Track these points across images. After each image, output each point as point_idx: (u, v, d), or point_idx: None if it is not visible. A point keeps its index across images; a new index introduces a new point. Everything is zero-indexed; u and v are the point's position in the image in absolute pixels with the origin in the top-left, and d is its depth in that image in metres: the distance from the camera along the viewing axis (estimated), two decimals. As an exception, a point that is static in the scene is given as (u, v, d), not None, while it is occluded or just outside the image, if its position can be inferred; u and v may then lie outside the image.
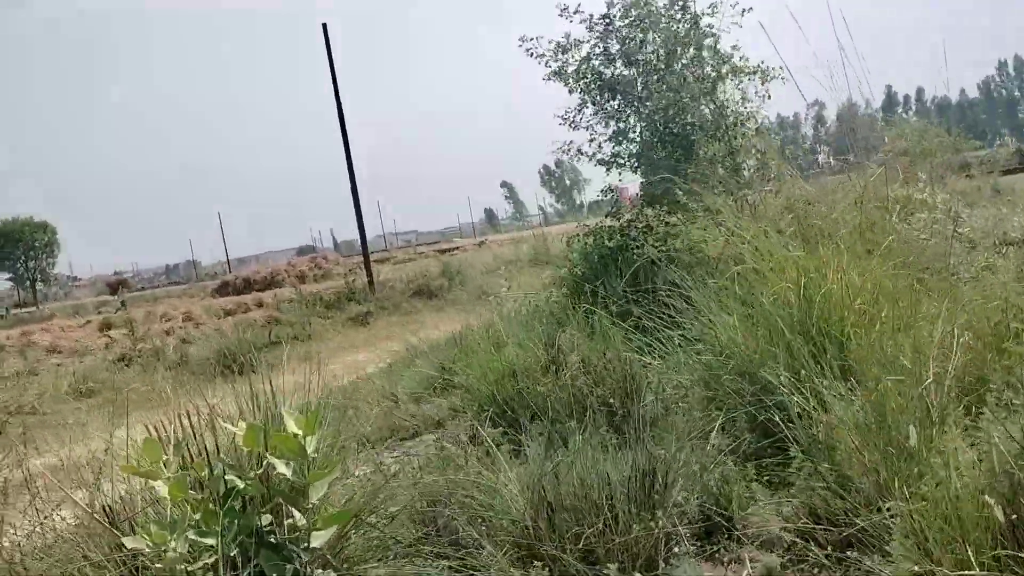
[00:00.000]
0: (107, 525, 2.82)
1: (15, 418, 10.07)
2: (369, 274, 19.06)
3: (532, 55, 7.23)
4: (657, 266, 6.73)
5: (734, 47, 6.56)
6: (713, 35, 6.58)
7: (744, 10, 6.43)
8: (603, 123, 7.07)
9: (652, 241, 6.90)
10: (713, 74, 6.63)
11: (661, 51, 6.69)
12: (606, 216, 7.14)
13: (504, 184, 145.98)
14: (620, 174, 7.15)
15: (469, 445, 4.39)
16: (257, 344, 12.78)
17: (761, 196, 6.55)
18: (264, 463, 2.81)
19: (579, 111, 7.17)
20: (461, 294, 18.23)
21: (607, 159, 7.14)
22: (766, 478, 3.58)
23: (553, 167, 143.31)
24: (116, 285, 44.98)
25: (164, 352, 13.12)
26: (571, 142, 7.25)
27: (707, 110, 6.65)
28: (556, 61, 7.07)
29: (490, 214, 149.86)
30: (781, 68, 6.40)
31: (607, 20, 6.88)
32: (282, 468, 2.74)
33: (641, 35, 6.75)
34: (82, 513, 3.06)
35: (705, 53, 6.61)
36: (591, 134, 7.19)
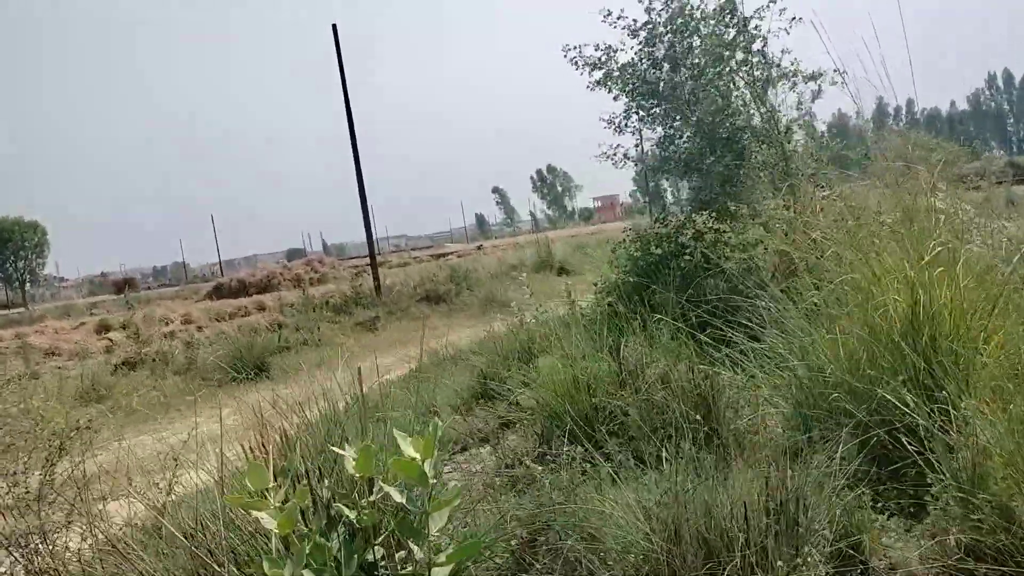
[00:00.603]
0: (216, 566, 2.51)
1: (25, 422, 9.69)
2: (376, 278, 18.72)
3: (576, 65, 6.99)
4: (709, 273, 6.48)
5: (784, 51, 6.35)
6: (763, 38, 6.35)
7: (793, 18, 6.21)
8: (650, 128, 6.85)
9: (703, 247, 6.65)
10: (763, 78, 6.40)
11: (708, 56, 6.45)
12: (655, 221, 6.87)
13: (496, 190, 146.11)
14: (668, 179, 6.90)
15: (548, 462, 4.10)
16: (267, 349, 12.45)
17: (816, 203, 6.31)
18: (376, 490, 2.51)
19: (626, 116, 6.92)
20: (471, 299, 17.94)
21: (655, 164, 6.89)
22: (892, 506, 3.31)
23: (546, 173, 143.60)
24: (123, 284, 44.22)
25: (171, 356, 12.73)
26: (618, 146, 7.01)
27: (757, 115, 6.41)
28: (601, 68, 6.83)
29: (481, 220, 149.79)
30: (839, 72, 6.17)
31: (650, 25, 6.64)
32: (398, 497, 2.45)
33: (686, 40, 6.51)
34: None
35: (754, 58, 6.38)
36: (636, 139, 6.96)
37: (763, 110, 6.35)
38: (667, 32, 6.53)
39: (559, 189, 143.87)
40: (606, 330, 5.68)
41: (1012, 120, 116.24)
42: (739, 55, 6.37)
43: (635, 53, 6.67)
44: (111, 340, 17.55)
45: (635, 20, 6.64)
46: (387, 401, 7.33)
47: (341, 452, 2.62)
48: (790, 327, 4.49)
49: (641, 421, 4.28)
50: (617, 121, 6.97)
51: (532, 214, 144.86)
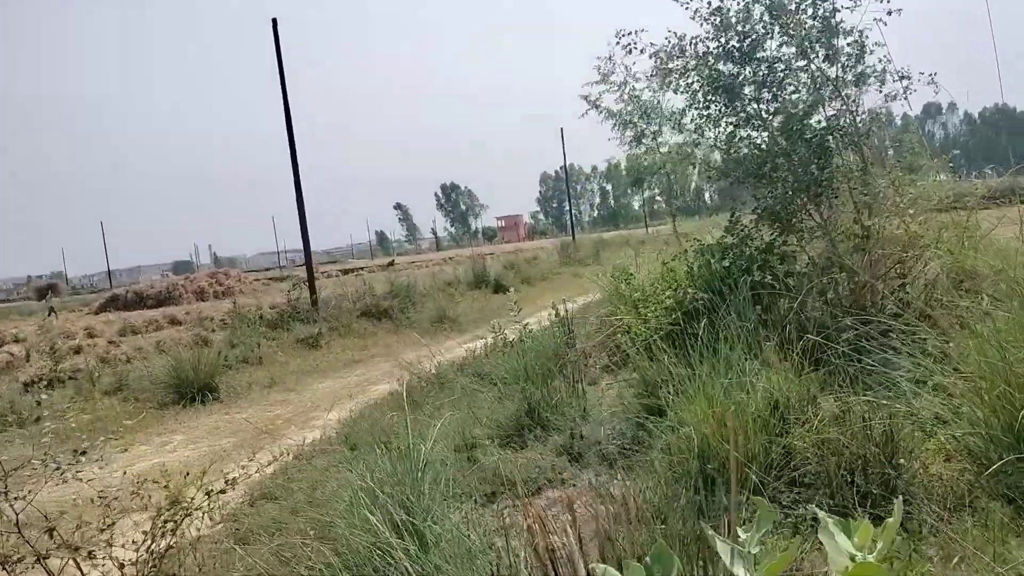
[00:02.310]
0: None
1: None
2: (313, 291, 17.39)
3: (631, 51, 6.30)
4: (779, 292, 5.85)
5: (877, 43, 5.79)
6: (854, 32, 5.78)
7: (891, 11, 5.67)
8: (711, 128, 6.19)
9: (774, 261, 6.02)
10: (849, 76, 5.86)
11: (791, 48, 5.86)
12: (725, 231, 6.19)
13: (398, 206, 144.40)
14: (731, 183, 6.24)
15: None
16: (215, 368, 11.12)
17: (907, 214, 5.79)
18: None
19: (684, 113, 6.26)
20: (417, 316, 16.92)
21: (717, 168, 6.23)
22: None
23: (449, 189, 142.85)
24: (45, 290, 40.14)
25: (96, 374, 11.20)
26: (683, 144, 6.32)
27: (841, 116, 5.86)
28: (671, 58, 6.15)
29: (382, 236, 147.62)
30: (929, 75, 5.71)
31: (721, 12, 6.00)
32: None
33: (763, 30, 5.90)
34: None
35: (845, 51, 5.81)
36: (695, 139, 6.29)
37: (847, 111, 5.80)
38: (740, 20, 5.89)
39: (463, 207, 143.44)
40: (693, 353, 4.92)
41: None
42: (821, 51, 5.79)
43: (703, 43, 6.00)
44: (11, 354, 15.55)
45: (708, 2, 5.96)
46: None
47: None
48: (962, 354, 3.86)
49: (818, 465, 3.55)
50: (676, 119, 6.30)
51: (434, 231, 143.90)
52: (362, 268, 48.59)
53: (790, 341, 4.90)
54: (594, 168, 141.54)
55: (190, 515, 3.77)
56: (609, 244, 39.47)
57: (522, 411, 5.91)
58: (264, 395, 10.90)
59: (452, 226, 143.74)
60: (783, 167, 5.94)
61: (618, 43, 6.30)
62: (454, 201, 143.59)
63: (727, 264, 5.92)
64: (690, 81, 6.10)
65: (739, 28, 5.88)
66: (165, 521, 3.75)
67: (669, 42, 6.11)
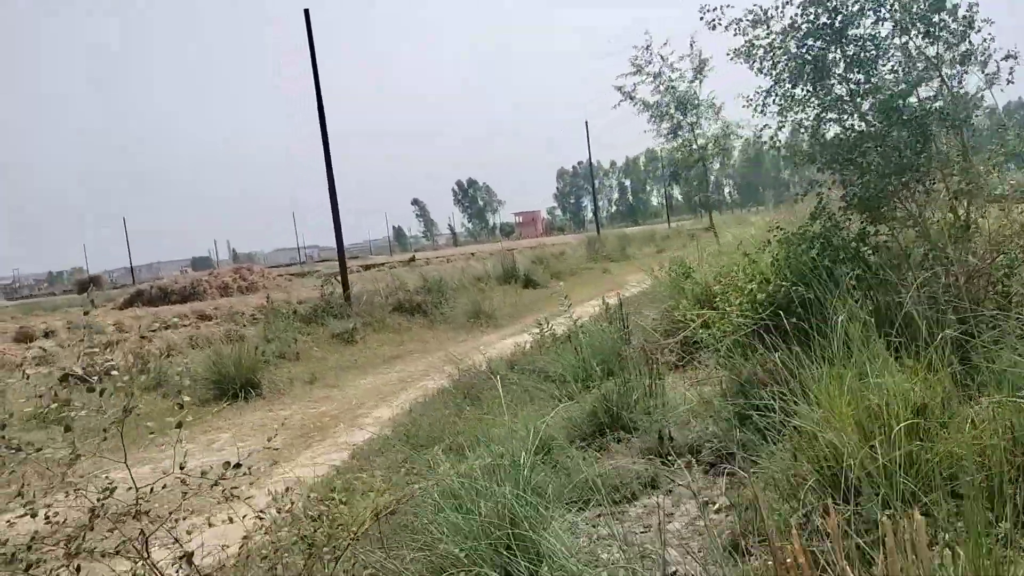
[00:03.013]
0: None
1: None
2: (346, 286, 17.13)
3: (714, 27, 5.96)
4: (879, 283, 5.49)
5: (986, 20, 5.41)
6: (961, 5, 5.40)
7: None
8: (799, 109, 5.83)
9: (866, 251, 5.67)
10: (952, 55, 5.49)
11: (886, 24, 5.50)
12: (811, 217, 5.82)
13: (415, 202, 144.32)
14: (820, 170, 5.88)
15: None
16: (247, 363, 10.86)
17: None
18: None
19: (767, 94, 5.90)
20: (451, 311, 16.62)
21: (802, 152, 5.86)
22: None
23: (466, 185, 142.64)
24: (86, 283, 39.69)
25: (134, 370, 10.96)
26: (766, 126, 5.96)
27: (941, 98, 5.49)
28: (745, 35, 5.80)
29: (399, 232, 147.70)
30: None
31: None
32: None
33: (856, 6, 5.54)
34: None
35: (945, 29, 5.43)
36: (780, 121, 5.93)
37: (946, 93, 5.44)
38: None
39: (480, 203, 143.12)
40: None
41: None
42: (921, 26, 5.42)
43: (792, 19, 5.63)
44: (43, 349, 15.41)
45: None
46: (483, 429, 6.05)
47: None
48: None
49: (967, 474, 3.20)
50: (756, 101, 5.93)
51: (451, 227, 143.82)
52: (383, 263, 48.36)
53: (904, 336, 4.53)
54: (613, 163, 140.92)
55: (357, 540, 3.45)
56: (633, 239, 39.10)
57: (599, 410, 5.58)
58: (307, 391, 10.65)
59: (470, 222, 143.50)
60: (873, 151, 5.58)
61: (701, 18, 5.97)
62: (472, 197, 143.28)
63: (814, 254, 5.57)
64: (776, 60, 5.74)
65: (830, 3, 5.51)
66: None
67: (755, 17, 5.75)
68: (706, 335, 6.13)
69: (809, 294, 5.29)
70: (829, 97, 5.77)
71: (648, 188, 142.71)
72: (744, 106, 6.01)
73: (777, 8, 5.69)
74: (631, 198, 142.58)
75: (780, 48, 5.75)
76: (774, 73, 5.86)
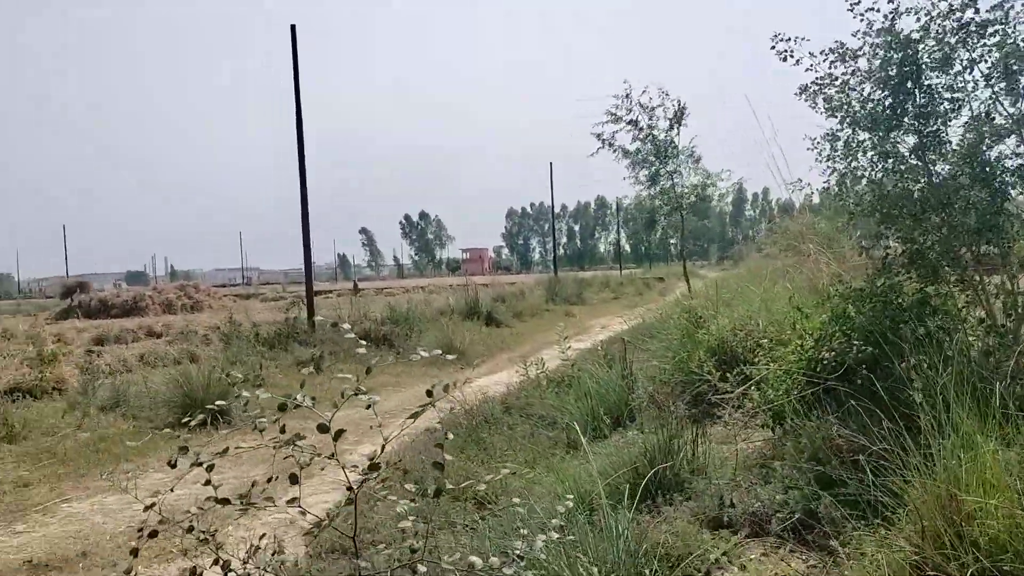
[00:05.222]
0: None
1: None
2: (311, 311, 16.42)
3: (785, 59, 5.68)
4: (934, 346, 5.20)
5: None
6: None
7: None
8: (861, 155, 5.56)
9: (929, 314, 5.39)
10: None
11: (969, 75, 5.27)
12: (880, 275, 5.49)
13: (363, 231, 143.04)
14: (879, 223, 5.60)
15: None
16: (216, 387, 10.14)
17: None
18: None
19: (833, 137, 5.62)
20: (419, 343, 16.02)
21: (864, 202, 5.57)
22: None
23: (417, 219, 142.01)
24: (74, 287, 36.90)
25: (93, 386, 10.12)
26: (832, 170, 5.65)
27: (1020, 157, 5.27)
28: (825, 68, 5.53)
29: (344, 260, 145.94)
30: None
31: (892, 32, 5.37)
32: None
33: (948, 50, 5.29)
34: None
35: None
36: (843, 167, 5.65)
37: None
38: (917, 40, 5.28)
39: (429, 236, 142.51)
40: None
41: None
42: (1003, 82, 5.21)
43: (876, 58, 5.37)
44: (-20, 358, 14.26)
45: (886, 15, 5.30)
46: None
47: None
48: None
49: None
50: (822, 147, 5.64)
51: (396, 259, 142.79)
52: (330, 291, 47.17)
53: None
54: (564, 207, 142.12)
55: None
56: (589, 284, 39.03)
57: (641, 464, 5.11)
58: (277, 417, 9.94)
59: (416, 255, 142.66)
60: (943, 208, 5.32)
61: (772, 47, 5.67)
62: (420, 230, 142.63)
63: (872, 314, 5.27)
64: (846, 101, 5.48)
65: (909, 51, 5.28)
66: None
67: (831, 54, 5.49)
68: (758, 394, 5.72)
69: (877, 353, 4.98)
70: (897, 146, 5.53)
71: (596, 235, 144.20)
72: (809, 149, 5.72)
73: (869, 47, 5.43)
74: (579, 243, 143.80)
75: (855, 90, 5.51)
76: (840, 115, 5.59)
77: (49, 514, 6.21)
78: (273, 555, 3.13)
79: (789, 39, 5.69)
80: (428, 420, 8.83)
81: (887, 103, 5.42)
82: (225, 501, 2.82)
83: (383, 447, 2.91)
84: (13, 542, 5.57)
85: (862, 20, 5.44)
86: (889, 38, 5.32)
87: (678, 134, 18.05)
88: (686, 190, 18.57)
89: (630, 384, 8.06)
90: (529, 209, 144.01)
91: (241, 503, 2.81)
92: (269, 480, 4.25)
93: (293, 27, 16.17)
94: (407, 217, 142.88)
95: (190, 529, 2.93)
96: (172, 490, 2.82)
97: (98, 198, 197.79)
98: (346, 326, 3.55)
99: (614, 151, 18.24)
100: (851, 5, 5.39)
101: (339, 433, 2.79)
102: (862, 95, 5.47)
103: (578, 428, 6.22)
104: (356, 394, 2.83)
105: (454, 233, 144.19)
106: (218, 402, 9.52)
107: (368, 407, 2.86)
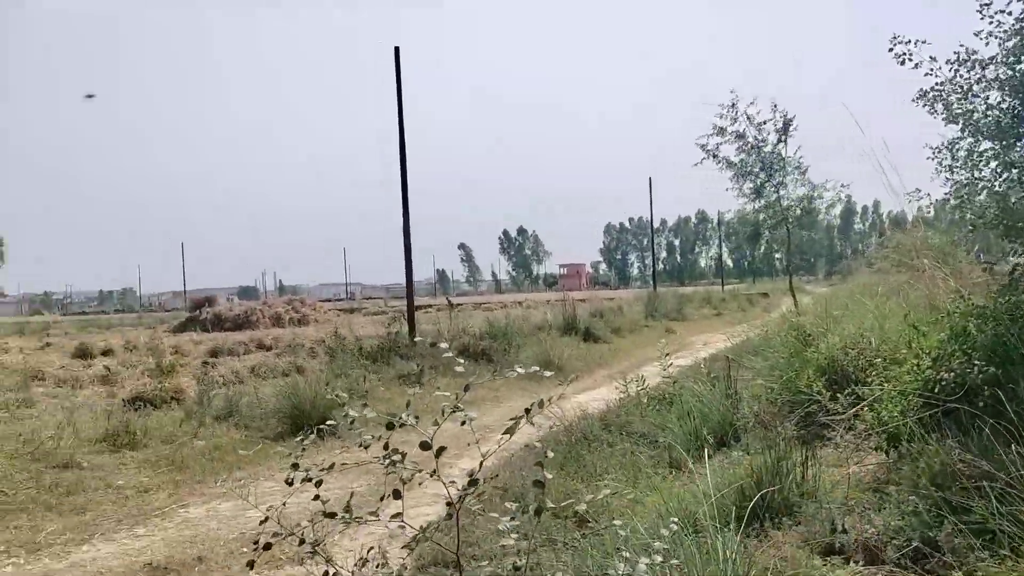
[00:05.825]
0: None
1: (49, 470, 7.51)
2: (411, 327, 16.77)
3: (904, 62, 5.45)
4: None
5: None
6: None
7: None
8: (983, 165, 5.26)
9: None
10: None
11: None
12: (1005, 292, 5.16)
13: (462, 246, 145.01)
14: (1006, 240, 5.28)
15: None
16: (324, 400, 10.41)
17: None
18: None
19: (954, 147, 5.34)
20: (520, 359, 16.10)
21: (990, 214, 5.26)
22: None
23: (515, 235, 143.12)
24: (203, 301, 39.36)
25: (208, 397, 10.60)
26: (952, 181, 5.38)
27: None
28: (942, 75, 5.27)
29: (443, 275, 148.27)
30: None
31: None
32: None
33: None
34: None
35: None
36: (968, 178, 5.36)
37: None
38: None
39: (527, 252, 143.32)
40: None
41: None
42: None
43: (998, 65, 5.09)
44: (107, 368, 15.19)
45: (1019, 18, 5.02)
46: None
47: None
48: None
49: None
50: (944, 157, 5.37)
51: (495, 274, 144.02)
52: (429, 305, 47.97)
53: None
54: (663, 221, 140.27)
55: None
56: (690, 300, 38.31)
57: (748, 485, 4.95)
58: (382, 434, 10.15)
59: (514, 270, 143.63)
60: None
61: (890, 50, 5.46)
62: (518, 245, 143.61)
63: (996, 332, 4.94)
64: (968, 108, 5.21)
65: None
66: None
67: (962, 57, 5.23)
68: (871, 416, 5.46)
69: (1001, 373, 4.67)
70: (1020, 156, 5.20)
71: (696, 249, 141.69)
72: (929, 158, 5.46)
73: (1001, 51, 5.15)
74: (679, 258, 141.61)
75: (979, 96, 5.22)
76: (961, 122, 5.31)
77: (167, 519, 6.51)
78: (378, 567, 3.16)
79: (908, 41, 5.44)
80: (527, 436, 8.90)
81: (1015, 111, 5.11)
82: (333, 515, 2.87)
83: (481, 463, 2.90)
84: (135, 545, 5.86)
85: (991, 22, 5.15)
86: (1020, 39, 5.02)
87: (785, 144, 17.62)
88: (792, 203, 18.07)
89: (734, 403, 7.86)
90: (628, 224, 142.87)
91: (348, 517, 2.85)
92: (382, 498, 4.33)
93: (397, 49, 16.62)
94: (505, 232, 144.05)
95: (302, 541, 3.01)
96: (284, 504, 2.90)
97: (213, 218, 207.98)
98: (444, 345, 3.56)
99: (718, 162, 17.93)
100: (981, 7, 5.12)
101: (440, 450, 2.80)
102: (986, 102, 5.17)
103: (680, 448, 6.09)
104: (455, 410, 2.83)
105: (551, 248, 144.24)
106: (328, 422, 9.89)
107: (463, 423, 2.86)
